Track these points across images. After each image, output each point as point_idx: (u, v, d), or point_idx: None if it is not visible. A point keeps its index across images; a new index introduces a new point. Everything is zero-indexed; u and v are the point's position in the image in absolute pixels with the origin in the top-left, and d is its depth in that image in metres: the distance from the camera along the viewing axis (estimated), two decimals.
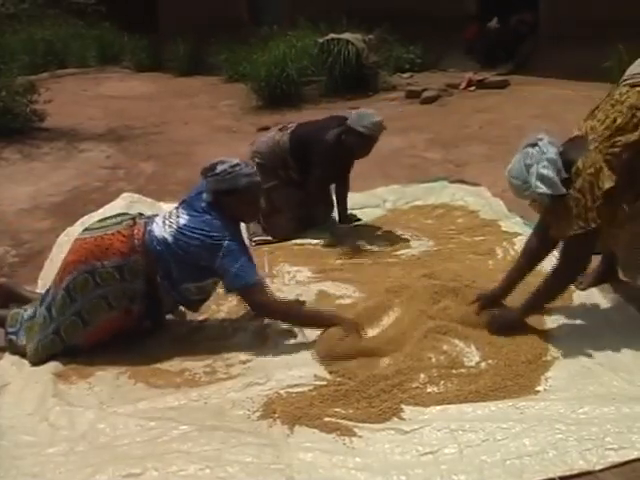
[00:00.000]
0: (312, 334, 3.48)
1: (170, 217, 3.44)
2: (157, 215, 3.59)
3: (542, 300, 3.34)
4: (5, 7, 16.94)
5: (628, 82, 3.22)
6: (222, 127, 9.00)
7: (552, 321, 3.48)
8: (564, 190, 2.95)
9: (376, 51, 10.45)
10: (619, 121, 2.99)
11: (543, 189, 2.94)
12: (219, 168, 3.36)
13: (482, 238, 4.62)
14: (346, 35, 10.17)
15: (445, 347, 3.31)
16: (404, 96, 9.69)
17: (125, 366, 3.37)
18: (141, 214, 3.65)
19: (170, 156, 7.53)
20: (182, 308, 3.70)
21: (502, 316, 3.41)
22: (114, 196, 5.82)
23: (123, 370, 3.34)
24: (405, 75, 10.69)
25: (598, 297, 3.67)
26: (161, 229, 3.39)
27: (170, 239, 3.34)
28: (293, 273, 4.30)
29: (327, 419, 2.83)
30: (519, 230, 4.63)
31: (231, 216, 3.41)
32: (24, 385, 3.26)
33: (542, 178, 2.93)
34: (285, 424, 2.83)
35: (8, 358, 3.52)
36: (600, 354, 3.16)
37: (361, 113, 4.65)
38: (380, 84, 10.28)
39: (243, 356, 3.39)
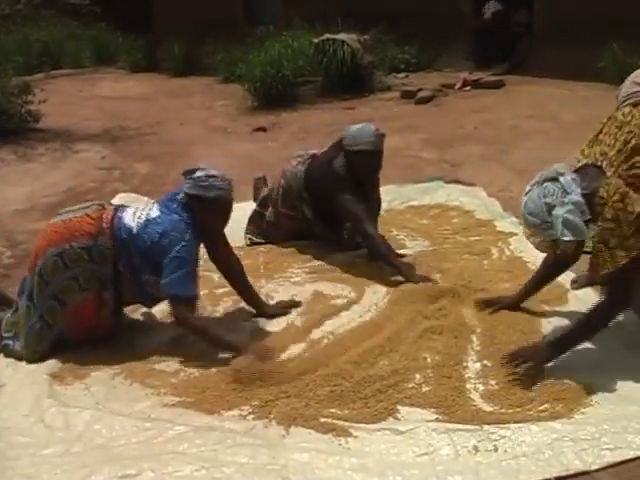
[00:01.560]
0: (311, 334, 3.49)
1: (143, 209, 3.49)
2: (129, 206, 3.64)
3: (580, 338, 3.07)
4: (0, 8, 16.95)
5: (629, 102, 3.16)
6: (217, 127, 9.00)
7: (547, 321, 3.49)
8: (588, 235, 2.77)
9: (371, 51, 10.44)
10: (634, 142, 2.86)
11: (569, 236, 2.72)
12: (197, 173, 3.39)
13: (477, 238, 4.62)
14: (341, 35, 10.16)
15: (441, 347, 3.31)
16: (399, 96, 9.69)
17: (121, 367, 3.37)
18: (110, 204, 3.69)
19: (165, 156, 7.52)
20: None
21: (527, 355, 3.08)
22: (109, 197, 5.82)
23: (119, 371, 3.34)
24: (400, 75, 10.69)
25: (592, 296, 3.67)
26: (130, 218, 3.43)
27: (135, 229, 3.39)
28: (288, 273, 4.30)
29: (323, 420, 2.84)
30: (514, 230, 4.62)
31: (199, 223, 3.41)
32: (20, 386, 3.26)
33: (567, 224, 2.71)
34: (281, 425, 2.83)
35: (3, 359, 3.52)
36: (594, 353, 3.16)
37: (353, 133, 4.26)
38: (375, 84, 10.28)
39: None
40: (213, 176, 3.37)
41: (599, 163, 2.89)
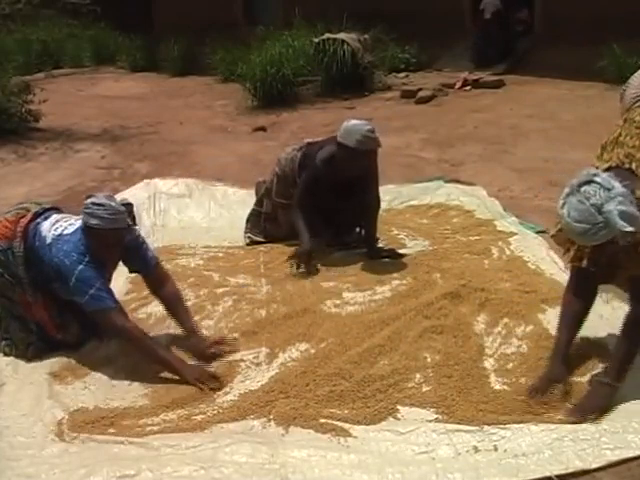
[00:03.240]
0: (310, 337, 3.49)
1: (66, 221, 3.46)
2: (57, 213, 3.62)
3: (632, 358, 2.90)
4: (0, 7, 16.94)
5: None
6: (217, 127, 8.99)
7: (548, 321, 3.49)
8: None
9: (371, 51, 10.44)
10: None
11: (629, 227, 2.58)
12: (88, 200, 3.32)
13: (477, 238, 4.62)
14: (341, 35, 10.15)
15: (441, 347, 3.31)
16: (399, 96, 9.69)
17: (121, 366, 3.37)
18: (50, 208, 3.68)
19: (165, 156, 7.52)
20: None
21: (593, 406, 2.84)
22: None
23: (119, 370, 3.34)
24: (400, 75, 10.68)
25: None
26: (48, 228, 3.43)
27: (49, 240, 3.38)
28: (287, 272, 4.29)
29: (322, 420, 2.83)
30: (514, 229, 4.63)
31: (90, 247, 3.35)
32: (20, 386, 3.27)
33: (624, 215, 2.58)
34: (280, 425, 2.83)
35: (3, 359, 3.52)
36: (593, 355, 3.16)
37: (347, 127, 4.21)
38: (376, 84, 10.28)
39: (239, 356, 3.39)
40: (99, 204, 3.24)
41: (627, 165, 2.85)
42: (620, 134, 3.01)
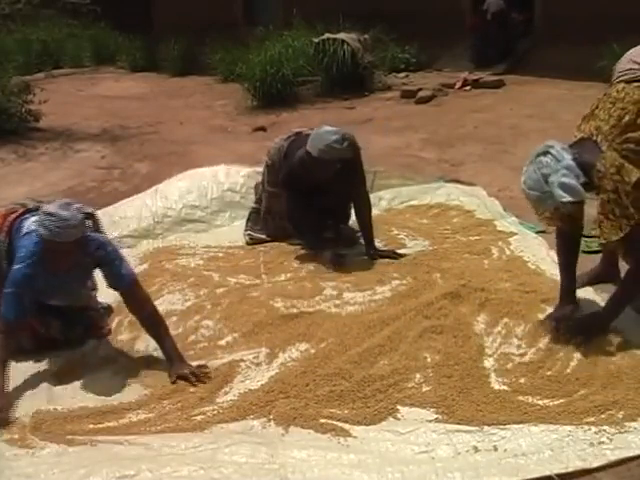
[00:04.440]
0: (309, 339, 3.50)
1: None
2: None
3: (624, 304, 3.26)
4: (0, 7, 16.93)
5: (622, 79, 3.26)
6: (217, 127, 8.99)
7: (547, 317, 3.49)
8: (586, 195, 2.94)
9: (371, 51, 10.44)
10: (627, 118, 2.99)
11: (567, 198, 2.88)
12: (43, 207, 3.20)
13: (477, 238, 4.62)
14: (341, 35, 10.15)
15: (441, 347, 3.31)
16: (399, 96, 9.69)
17: (121, 366, 3.37)
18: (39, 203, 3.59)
19: (165, 156, 7.52)
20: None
21: (590, 323, 3.31)
22: (109, 196, 5.83)
23: (118, 371, 3.34)
24: (400, 75, 10.68)
25: (593, 295, 3.67)
26: (31, 222, 3.34)
27: (23, 232, 3.34)
28: (287, 272, 4.30)
29: (322, 420, 2.83)
30: (514, 229, 4.63)
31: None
32: (19, 386, 3.26)
33: (564, 187, 2.87)
34: (280, 425, 2.83)
35: None
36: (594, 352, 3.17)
37: (318, 132, 4.23)
38: (375, 84, 10.28)
39: (239, 356, 3.39)
40: (49, 214, 3.09)
41: (594, 137, 3.03)
42: (597, 107, 3.17)
